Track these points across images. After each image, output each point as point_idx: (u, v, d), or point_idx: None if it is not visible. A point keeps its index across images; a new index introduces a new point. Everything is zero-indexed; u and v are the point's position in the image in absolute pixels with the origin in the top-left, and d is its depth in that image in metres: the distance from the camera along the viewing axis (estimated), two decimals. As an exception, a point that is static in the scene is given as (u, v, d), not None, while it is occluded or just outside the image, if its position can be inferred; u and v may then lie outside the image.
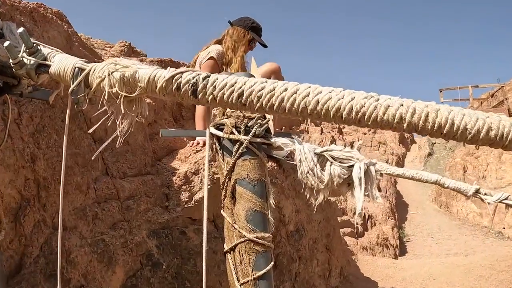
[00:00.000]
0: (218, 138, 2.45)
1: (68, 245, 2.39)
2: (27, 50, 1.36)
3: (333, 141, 14.96)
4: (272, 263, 2.29)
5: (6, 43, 1.34)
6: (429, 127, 0.95)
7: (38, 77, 1.40)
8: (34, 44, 1.38)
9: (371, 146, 19.39)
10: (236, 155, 2.35)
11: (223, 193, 2.35)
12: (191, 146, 3.63)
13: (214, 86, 1.09)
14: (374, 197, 2.29)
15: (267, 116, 2.47)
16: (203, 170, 3.25)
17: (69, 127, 2.47)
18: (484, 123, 0.90)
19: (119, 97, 1.17)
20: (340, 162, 2.42)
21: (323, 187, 2.46)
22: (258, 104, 1.07)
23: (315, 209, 2.54)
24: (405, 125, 0.96)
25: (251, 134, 2.34)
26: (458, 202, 16.24)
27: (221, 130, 2.43)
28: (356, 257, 7.55)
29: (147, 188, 2.97)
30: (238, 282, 2.17)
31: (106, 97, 1.19)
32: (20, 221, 2.17)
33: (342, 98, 0.98)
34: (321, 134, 15.05)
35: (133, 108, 1.22)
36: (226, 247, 2.26)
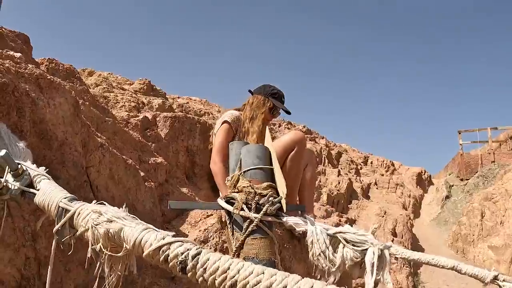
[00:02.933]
0: (229, 211, 2.38)
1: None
2: (12, 172, 1.31)
3: (350, 183, 14.78)
4: None
5: None
6: None
7: (26, 201, 1.35)
8: (19, 166, 1.32)
9: (388, 188, 19.14)
10: (246, 233, 2.27)
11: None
12: None
13: (205, 268, 1.00)
14: (385, 282, 2.20)
15: (280, 193, 2.40)
16: (213, 238, 3.17)
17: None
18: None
19: (104, 255, 1.10)
20: (353, 245, 2.34)
21: (334, 270, 2.37)
22: (253, 300, 0.98)
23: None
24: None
25: (262, 212, 2.26)
26: (475, 248, 15.93)
27: (232, 204, 2.36)
28: (369, 310, 7.34)
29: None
30: None
31: (89, 254, 1.12)
32: (20, 301, 2.09)
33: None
34: (338, 176, 14.88)
35: (119, 266, 1.15)
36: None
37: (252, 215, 2.26)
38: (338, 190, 13.29)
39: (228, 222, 2.43)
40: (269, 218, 2.30)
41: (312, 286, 0.88)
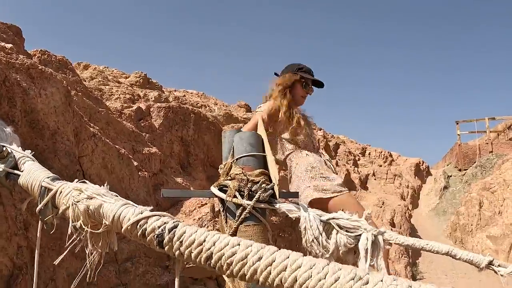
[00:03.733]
0: (222, 199, 2.38)
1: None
2: (-4, 154, 1.32)
3: (348, 174, 14.78)
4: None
5: None
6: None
7: (11, 182, 1.36)
8: (4, 149, 1.33)
9: (386, 179, 19.16)
10: (239, 220, 2.27)
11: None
12: None
13: (181, 242, 1.00)
14: (378, 268, 2.20)
15: (273, 180, 2.39)
16: (207, 227, 3.17)
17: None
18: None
19: (84, 231, 1.10)
20: (346, 231, 2.34)
21: (328, 256, 2.37)
22: (229, 271, 0.96)
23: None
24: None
25: (254, 199, 2.26)
26: (473, 238, 15.96)
27: (224, 191, 2.36)
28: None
29: (147, 248, 2.87)
30: None
31: (70, 230, 1.12)
32: (12, 289, 2.09)
33: (324, 279, 0.85)
34: (336, 167, 14.87)
35: (100, 243, 1.15)
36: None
37: (245, 202, 2.26)
38: (336, 182, 13.27)
39: (221, 210, 2.43)
40: (262, 205, 2.30)
41: (288, 257, 0.88)
